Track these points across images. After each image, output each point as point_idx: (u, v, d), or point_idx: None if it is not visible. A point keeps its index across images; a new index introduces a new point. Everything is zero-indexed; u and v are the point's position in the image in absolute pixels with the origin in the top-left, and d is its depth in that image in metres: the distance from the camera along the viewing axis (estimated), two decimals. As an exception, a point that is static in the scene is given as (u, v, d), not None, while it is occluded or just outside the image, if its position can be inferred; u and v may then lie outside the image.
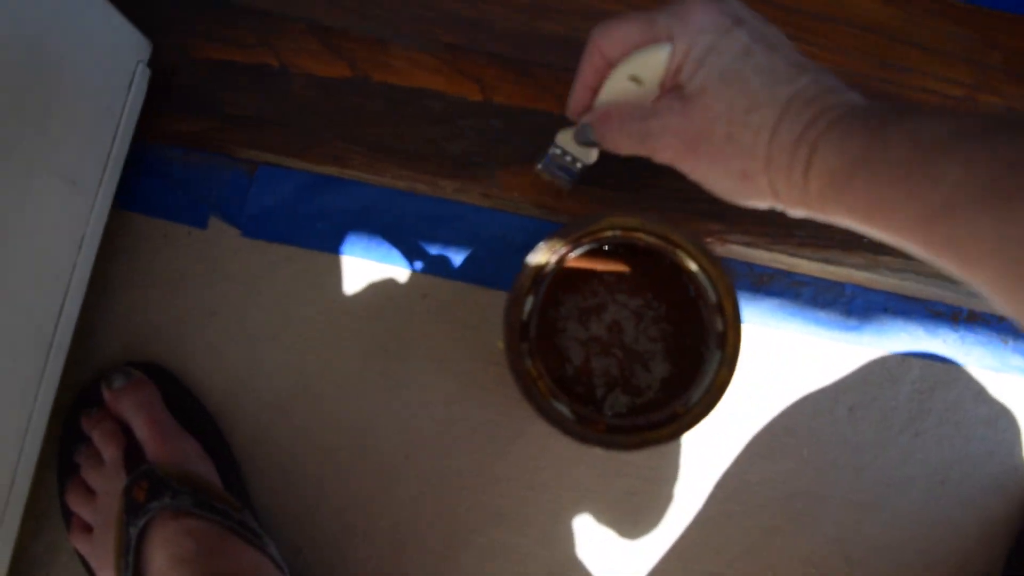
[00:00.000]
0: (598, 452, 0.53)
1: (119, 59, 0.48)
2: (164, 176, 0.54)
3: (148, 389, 0.51)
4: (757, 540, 0.54)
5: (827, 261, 0.54)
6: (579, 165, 0.47)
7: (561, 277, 0.47)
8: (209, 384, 0.54)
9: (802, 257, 0.54)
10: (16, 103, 0.38)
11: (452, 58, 0.55)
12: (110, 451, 0.49)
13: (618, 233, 0.45)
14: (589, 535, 0.54)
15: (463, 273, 0.55)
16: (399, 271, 0.55)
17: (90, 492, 0.49)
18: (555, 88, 0.55)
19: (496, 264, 0.55)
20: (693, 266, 0.45)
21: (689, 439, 0.54)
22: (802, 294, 0.55)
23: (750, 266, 0.55)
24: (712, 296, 0.44)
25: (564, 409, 0.44)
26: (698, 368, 0.45)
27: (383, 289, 0.55)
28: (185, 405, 0.52)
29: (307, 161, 0.54)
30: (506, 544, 0.53)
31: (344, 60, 0.54)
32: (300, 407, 0.54)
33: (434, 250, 0.55)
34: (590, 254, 0.47)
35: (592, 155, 0.46)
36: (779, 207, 0.36)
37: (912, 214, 0.29)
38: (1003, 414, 0.55)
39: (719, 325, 0.44)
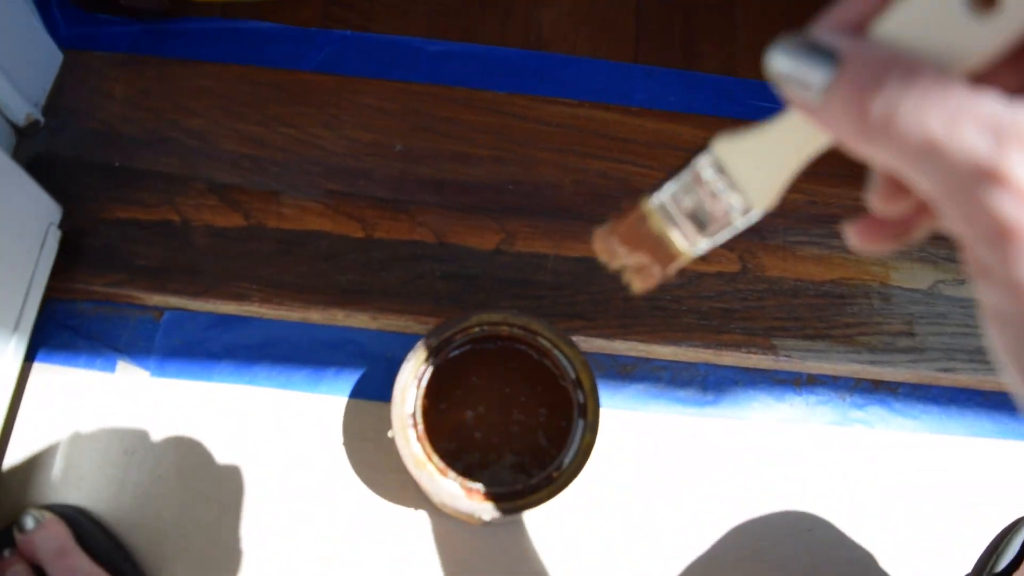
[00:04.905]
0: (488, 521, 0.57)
1: (32, 223, 0.54)
2: (73, 329, 0.59)
3: (59, 530, 0.53)
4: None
5: (676, 344, 0.61)
6: (733, 206, 0.25)
7: (441, 371, 0.53)
8: (128, 521, 0.55)
9: (654, 343, 0.61)
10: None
11: (336, 203, 0.63)
12: (22, 594, 0.50)
13: (485, 328, 0.52)
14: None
15: (359, 391, 0.60)
16: (301, 395, 0.60)
17: (2, 639, 0.49)
18: (428, 222, 0.63)
19: (389, 379, 0.61)
20: (553, 349, 0.52)
21: (581, 514, 0.59)
22: (662, 377, 0.63)
23: (614, 358, 0.63)
24: (571, 372, 0.51)
25: (454, 486, 0.49)
26: (567, 436, 0.51)
27: (287, 414, 0.59)
28: (99, 543, 0.54)
29: (209, 301, 0.60)
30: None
31: (240, 212, 0.62)
32: (221, 535, 0.56)
33: (331, 373, 0.61)
34: (467, 351, 0.53)
35: (757, 203, 0.25)
36: None
37: None
38: (842, 465, 0.62)
39: (580, 397, 0.51)
